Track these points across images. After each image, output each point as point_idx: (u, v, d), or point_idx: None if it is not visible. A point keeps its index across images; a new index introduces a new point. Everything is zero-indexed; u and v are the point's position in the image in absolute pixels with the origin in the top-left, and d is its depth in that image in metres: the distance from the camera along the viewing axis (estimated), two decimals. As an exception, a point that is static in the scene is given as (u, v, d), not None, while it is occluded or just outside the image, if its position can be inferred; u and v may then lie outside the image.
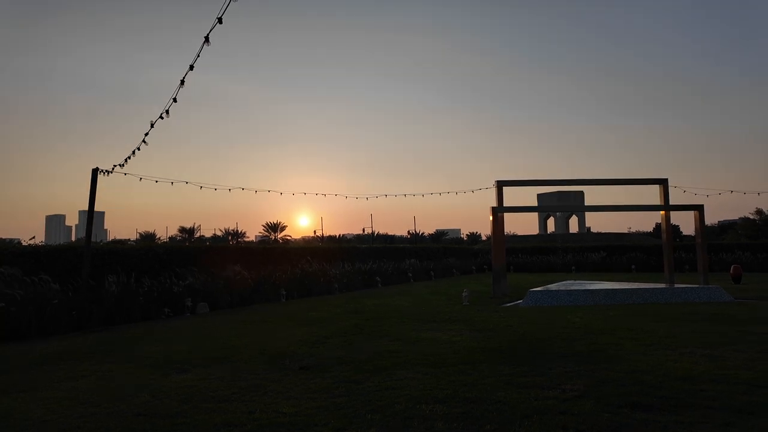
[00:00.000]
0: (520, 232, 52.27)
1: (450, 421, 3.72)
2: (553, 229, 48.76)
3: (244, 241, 44.53)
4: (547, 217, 49.40)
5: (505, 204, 14.56)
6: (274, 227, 47.90)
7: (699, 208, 13.75)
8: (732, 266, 16.91)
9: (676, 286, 12.44)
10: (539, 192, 43.42)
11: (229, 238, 46.65)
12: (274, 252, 16.90)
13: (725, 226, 61.98)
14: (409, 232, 56.84)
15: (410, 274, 20.78)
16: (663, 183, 14.28)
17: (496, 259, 13.94)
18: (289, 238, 48.00)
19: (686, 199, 16.95)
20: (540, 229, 49.27)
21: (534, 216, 50.08)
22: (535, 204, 38.39)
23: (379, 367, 5.47)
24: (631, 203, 15.47)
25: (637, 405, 4.00)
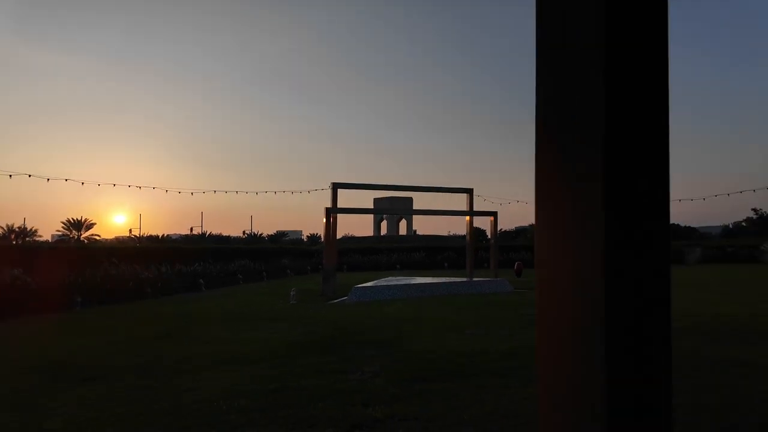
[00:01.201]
0: (357, 234, 54.71)
1: (247, 412, 3.78)
2: (386, 231, 52.33)
3: (35, 241, 36.88)
4: (381, 221, 52.79)
5: (340, 206, 15.19)
6: (78, 225, 40.66)
7: (494, 214, 16.40)
8: (516, 263, 20.54)
9: (474, 279, 14.64)
10: (375, 196, 46.19)
11: (12, 236, 37.97)
12: (71, 253, 14.60)
13: (520, 231, 74.73)
14: (244, 232, 54.50)
15: (240, 276, 19.99)
16: (469, 192, 16.62)
17: (327, 259, 14.40)
18: (97, 237, 41.35)
19: (487, 207, 20.01)
20: (374, 231, 52.34)
21: (371, 219, 53.04)
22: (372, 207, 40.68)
23: (180, 370, 5.21)
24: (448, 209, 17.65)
25: (418, 378, 4.65)
